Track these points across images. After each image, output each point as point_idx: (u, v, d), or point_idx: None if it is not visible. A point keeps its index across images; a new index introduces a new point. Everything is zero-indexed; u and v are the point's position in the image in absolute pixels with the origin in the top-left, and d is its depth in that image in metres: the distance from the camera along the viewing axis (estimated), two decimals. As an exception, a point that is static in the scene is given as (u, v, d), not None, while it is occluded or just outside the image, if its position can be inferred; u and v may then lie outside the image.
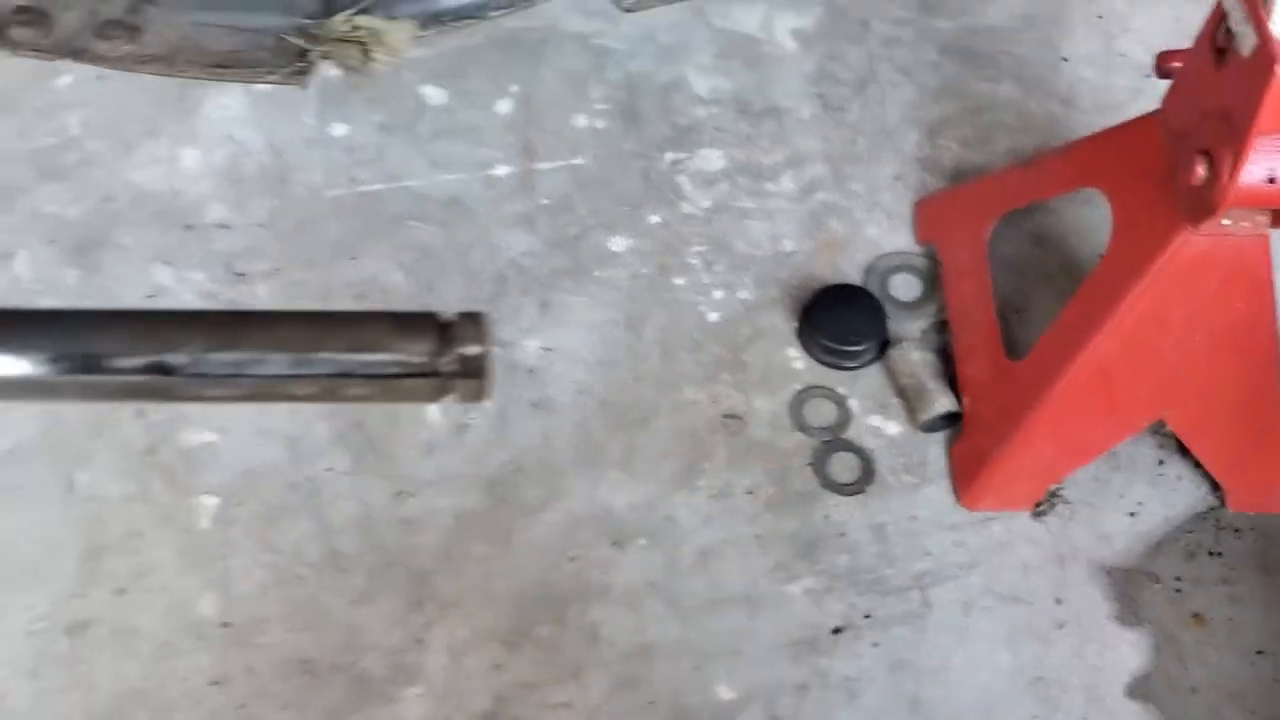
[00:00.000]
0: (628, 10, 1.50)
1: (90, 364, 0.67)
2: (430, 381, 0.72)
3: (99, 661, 1.60)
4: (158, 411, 1.77)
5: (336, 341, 0.70)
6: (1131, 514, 1.74)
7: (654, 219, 1.95)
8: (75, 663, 1.60)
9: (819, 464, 1.75)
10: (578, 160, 2.01)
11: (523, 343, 1.85)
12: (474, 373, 0.72)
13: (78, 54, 1.40)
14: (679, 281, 1.90)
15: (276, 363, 0.69)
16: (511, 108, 2.06)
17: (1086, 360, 1.57)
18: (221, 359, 0.68)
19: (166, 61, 1.41)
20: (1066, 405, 1.61)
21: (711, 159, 2.01)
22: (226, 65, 1.41)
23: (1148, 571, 1.70)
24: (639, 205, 1.96)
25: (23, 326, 0.70)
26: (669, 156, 2.01)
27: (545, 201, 1.97)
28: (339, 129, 2.03)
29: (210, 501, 1.71)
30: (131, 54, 1.41)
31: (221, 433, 1.76)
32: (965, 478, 1.73)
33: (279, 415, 1.78)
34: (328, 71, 1.44)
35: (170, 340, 0.68)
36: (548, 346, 1.85)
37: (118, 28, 1.40)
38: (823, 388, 1.81)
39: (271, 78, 1.41)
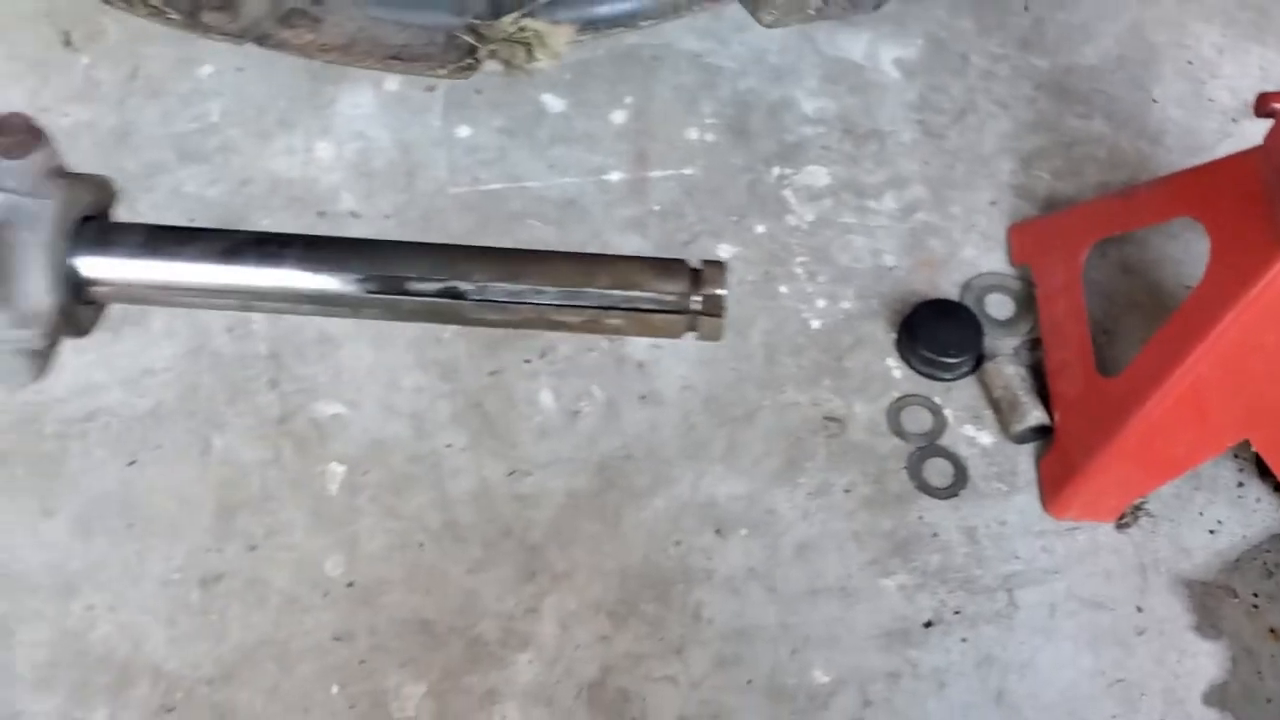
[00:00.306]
0: (769, 27, 1.60)
1: (394, 285, 0.77)
2: (679, 317, 0.82)
3: (230, 612, 1.70)
4: (290, 383, 1.88)
5: (602, 279, 0.80)
6: (1211, 531, 1.82)
7: (760, 229, 2.05)
8: (208, 612, 1.70)
9: (914, 468, 1.83)
10: (688, 170, 2.11)
11: (634, 339, 1.95)
12: (716, 312, 0.82)
13: (262, 39, 1.51)
14: (783, 289, 1.99)
15: (550, 294, 0.79)
16: (626, 118, 2.17)
17: (1179, 379, 1.65)
18: (504, 288, 0.78)
19: (344, 51, 1.52)
20: (1156, 422, 1.69)
21: (817, 175, 2.11)
22: (399, 58, 1.52)
23: (1226, 586, 1.77)
24: (746, 215, 2.06)
25: (339, 251, 0.80)
26: (776, 171, 2.11)
27: (656, 207, 2.07)
28: (463, 131, 2.15)
29: (338, 469, 1.81)
30: (312, 42, 1.51)
31: (350, 406, 1.86)
32: (1053, 487, 1.81)
33: (404, 392, 1.88)
34: (491, 68, 1.55)
35: (462, 270, 0.78)
36: (656, 344, 1.94)
37: (301, 17, 1.51)
38: (920, 396, 1.89)
39: (441, 71, 1.51)
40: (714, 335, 0.84)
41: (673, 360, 1.93)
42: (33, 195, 0.77)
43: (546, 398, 1.89)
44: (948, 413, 1.89)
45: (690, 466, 1.84)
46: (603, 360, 1.93)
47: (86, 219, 0.82)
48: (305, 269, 0.80)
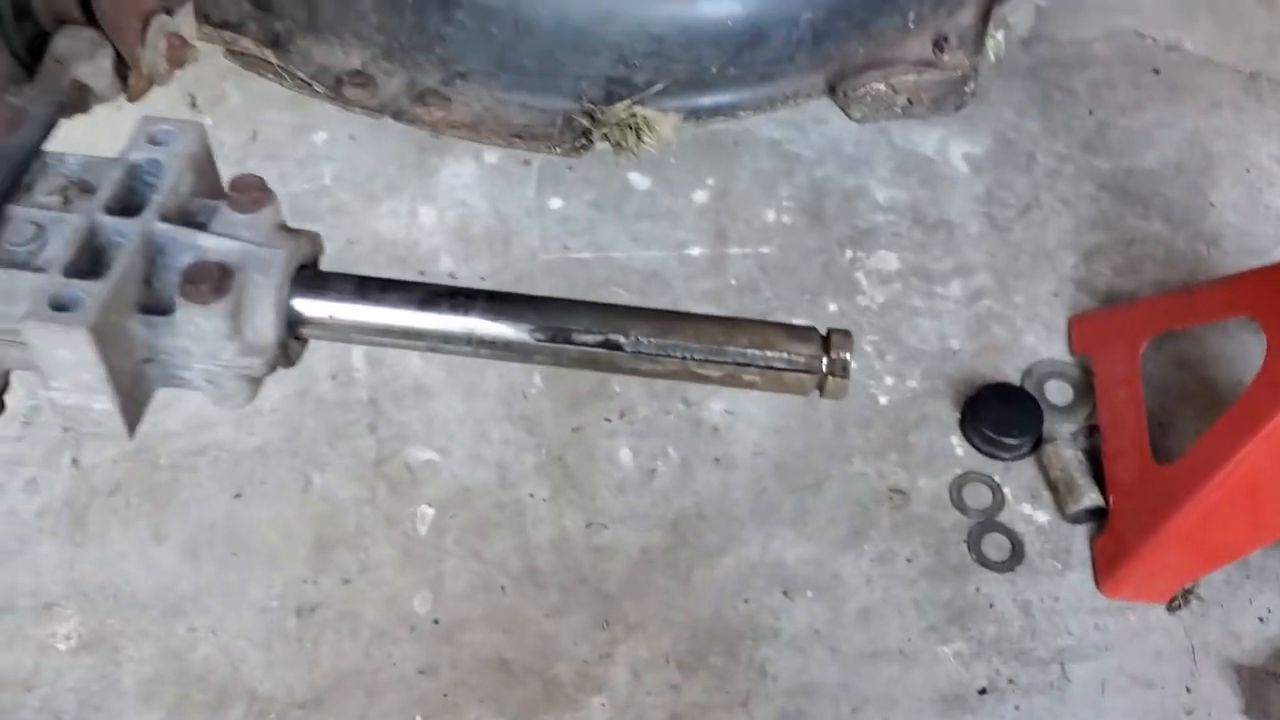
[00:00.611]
0: (858, 122, 1.73)
1: (561, 336, 0.89)
2: (809, 377, 0.93)
3: (323, 641, 1.80)
4: (387, 428, 2.00)
5: (742, 338, 0.91)
6: (1261, 619, 1.89)
7: (832, 307, 2.17)
8: (302, 640, 1.80)
9: (973, 542, 1.93)
10: (765, 249, 2.24)
11: (708, 404, 2.06)
12: (842, 374, 0.93)
13: (398, 115, 1.66)
14: (853, 365, 2.10)
15: (695, 350, 0.90)
16: (707, 198, 2.31)
17: (1234, 469, 1.74)
18: (655, 343, 0.90)
19: (471, 128, 1.66)
20: (1210, 509, 1.78)
21: (888, 260, 2.23)
22: (521, 136, 1.66)
23: (1275, 673, 1.84)
24: (819, 294, 2.18)
25: (516, 305, 0.92)
26: (849, 254, 2.23)
27: (733, 282, 2.20)
28: (555, 202, 2.29)
29: (428, 511, 1.92)
30: (443, 119, 1.65)
31: (442, 453, 1.98)
32: (1107, 568, 1.89)
33: (492, 443, 2.00)
34: (601, 148, 1.69)
35: (620, 325, 0.90)
36: (730, 410, 2.06)
37: (434, 96, 1.65)
38: (981, 474, 1.99)
39: (557, 150, 1.65)
40: (839, 395, 0.95)
41: (746, 426, 2.04)
42: (265, 245, 0.90)
43: (625, 455, 2.00)
44: (1007, 491, 1.98)
45: (760, 529, 1.94)
46: (679, 423, 2.04)
47: (302, 267, 0.95)
48: (487, 318, 0.92)
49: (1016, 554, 1.92)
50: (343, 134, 2.37)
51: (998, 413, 2.01)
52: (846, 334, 0.92)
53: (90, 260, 0.88)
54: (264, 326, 0.90)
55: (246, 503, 1.92)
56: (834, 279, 2.21)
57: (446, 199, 2.28)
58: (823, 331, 0.94)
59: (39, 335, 0.82)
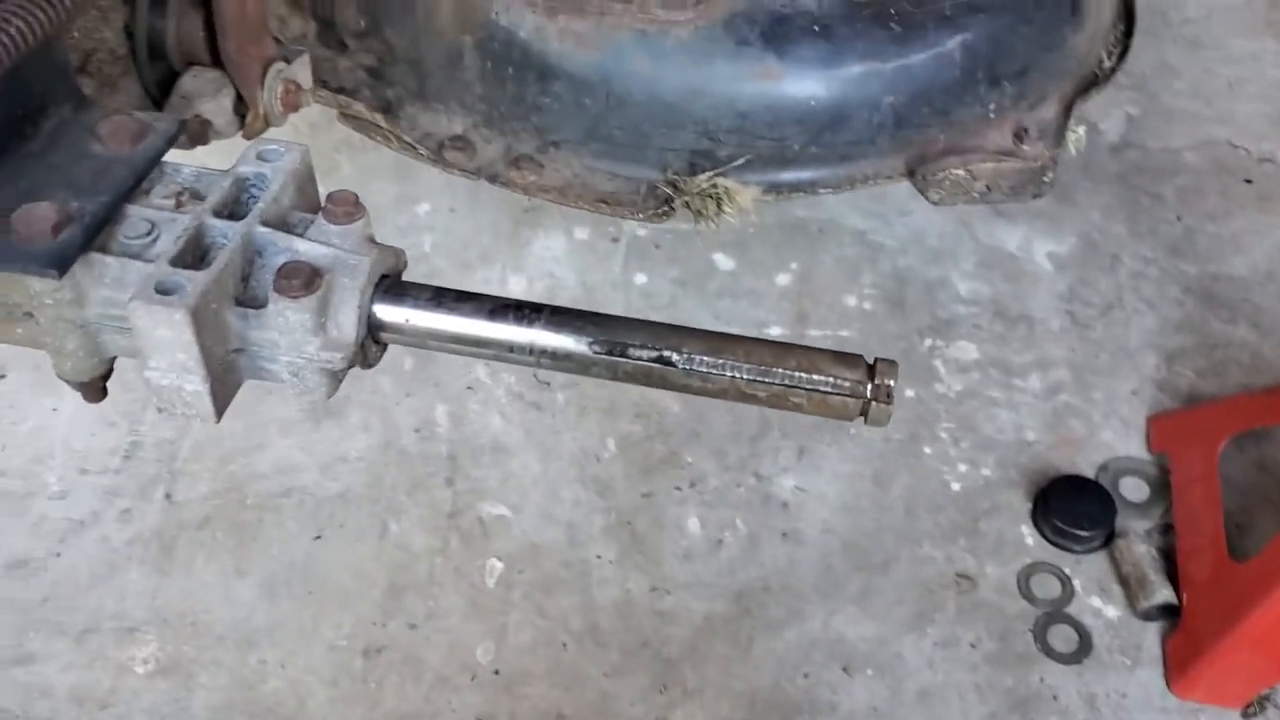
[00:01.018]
0: (935, 204, 1.78)
1: (618, 349, 0.95)
2: (854, 401, 0.96)
3: (387, 683, 1.84)
4: (464, 482, 2.06)
5: (790, 361, 0.96)
6: (1339, 732, 1.83)
7: (909, 393, 2.19)
8: (367, 680, 1.85)
9: (1039, 631, 1.91)
10: (844, 332, 2.28)
11: (779, 479, 2.09)
12: (886, 400, 0.97)
13: (493, 178, 1.75)
14: (927, 450, 2.12)
15: (745, 370, 0.95)
16: (789, 281, 2.36)
17: (1311, 571, 1.71)
18: (707, 360, 0.94)
19: (560, 192, 1.74)
20: (1286, 612, 1.74)
21: (967, 350, 2.25)
22: (606, 202, 1.74)
23: (1352, 788, 1.78)
24: (899, 381, 2.21)
25: (577, 319, 0.98)
26: (928, 342, 2.26)
27: (812, 364, 2.24)
28: (640, 278, 2.37)
29: (497, 565, 1.97)
30: (534, 183, 1.75)
31: (514, 509, 2.03)
32: (1178, 667, 1.85)
33: (563, 503, 2.04)
34: (682, 216, 1.76)
35: (674, 343, 0.95)
36: (801, 487, 2.08)
37: (528, 161, 1.75)
38: (1050, 565, 1.98)
39: (639, 216, 1.73)
40: (881, 421, 0.98)
41: (817, 504, 2.06)
42: (353, 252, 0.98)
43: (693, 524, 2.03)
44: (1076, 583, 1.96)
45: (824, 604, 1.94)
46: (749, 496, 2.07)
47: (385, 276, 1.03)
48: (549, 330, 0.98)
49: (1084, 647, 1.89)
50: (444, 205, 2.49)
51: (1071, 505, 2.00)
52: (892, 363, 0.96)
53: (196, 256, 0.96)
54: (346, 324, 0.97)
55: (325, 544, 1.99)
56: (912, 365, 2.24)
57: (536, 269, 2.37)
58: (869, 360, 0.98)
59: (142, 315, 0.90)
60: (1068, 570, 1.98)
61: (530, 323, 0.98)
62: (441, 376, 2.21)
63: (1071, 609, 1.94)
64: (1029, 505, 2.05)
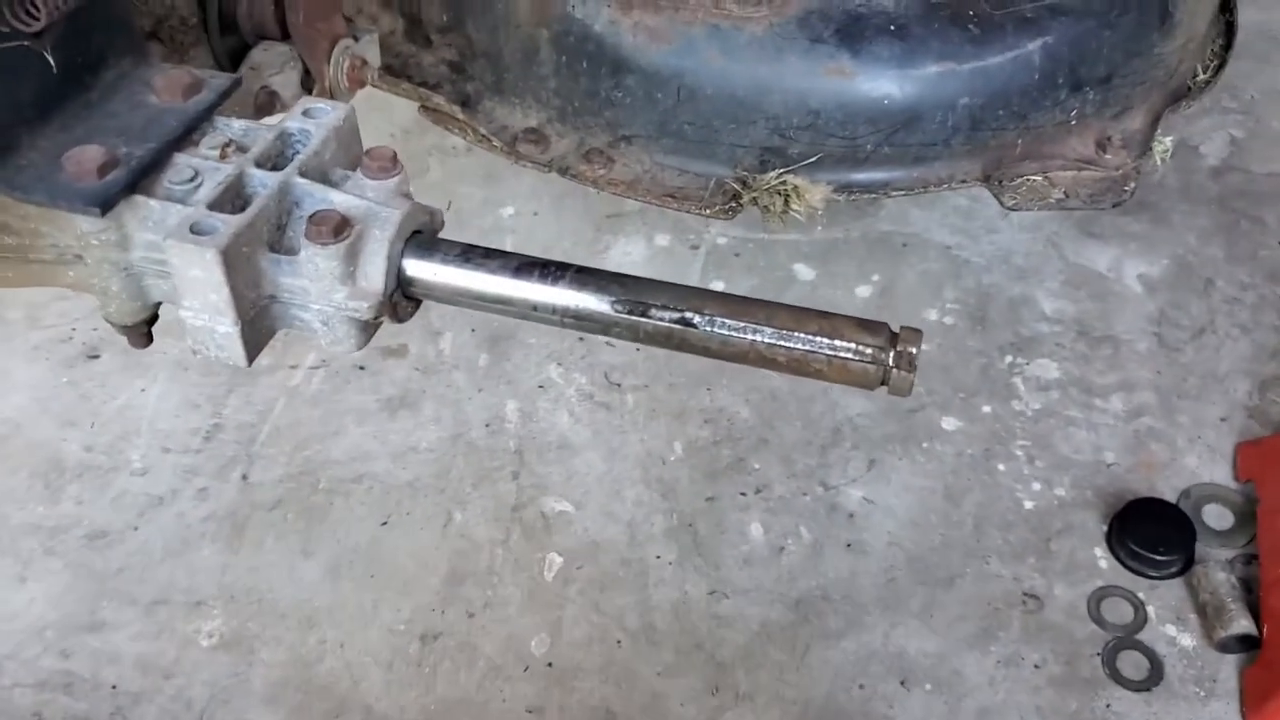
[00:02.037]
0: (1010, 209, 1.74)
1: (640, 309, 0.95)
2: (874, 368, 0.95)
3: (441, 668, 1.86)
4: (529, 477, 2.07)
5: (812, 325, 0.94)
6: None
7: (986, 409, 2.14)
8: (422, 664, 1.86)
9: (1109, 656, 1.84)
10: (924, 346, 2.23)
11: (847, 489, 2.06)
12: (907, 368, 0.95)
13: (563, 171, 1.77)
14: (1001, 467, 2.07)
15: (766, 333, 0.94)
16: (870, 293, 2.33)
17: (1400, 605, 1.62)
18: (729, 323, 0.94)
19: (629, 187, 1.76)
20: (1373, 649, 1.65)
21: (1047, 369, 2.19)
22: (674, 196, 1.74)
23: None
24: (974, 394, 2.16)
25: (601, 279, 0.99)
26: (1008, 359, 2.21)
27: (887, 377, 2.20)
28: (718, 285, 2.36)
29: (557, 559, 1.97)
30: (603, 177, 1.76)
31: (576, 506, 2.04)
32: (1257, 701, 1.76)
33: (625, 502, 2.04)
34: (750, 211, 1.75)
35: (696, 304, 0.95)
36: (869, 498, 2.05)
37: (598, 155, 1.77)
38: (1123, 589, 1.91)
39: (707, 212, 1.73)
40: (903, 389, 0.96)
41: (883, 516, 2.02)
42: (386, 205, 1.00)
43: (756, 530, 2.01)
44: (1150, 609, 1.89)
45: (885, 617, 1.90)
46: (815, 505, 2.04)
47: (417, 232, 1.04)
48: (573, 288, 0.99)
49: (1155, 674, 1.81)
50: (528, 209, 2.52)
51: (1148, 528, 1.93)
52: (916, 331, 0.94)
53: (235, 203, 0.99)
54: (374, 275, 0.99)
55: (391, 530, 2.01)
56: (991, 381, 2.19)
57: (615, 274, 2.38)
58: (893, 328, 0.96)
59: (177, 254, 0.94)
60: (1141, 595, 1.90)
61: (554, 281, 0.99)
62: (514, 374, 2.24)
63: (1144, 635, 1.86)
64: (1104, 528, 1.98)
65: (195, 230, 0.94)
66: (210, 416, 2.19)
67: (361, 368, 2.25)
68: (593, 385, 2.22)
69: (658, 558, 1.98)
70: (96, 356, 2.29)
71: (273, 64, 1.25)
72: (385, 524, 2.02)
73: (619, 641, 1.88)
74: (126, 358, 2.27)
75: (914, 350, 0.95)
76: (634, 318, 0.96)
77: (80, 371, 2.27)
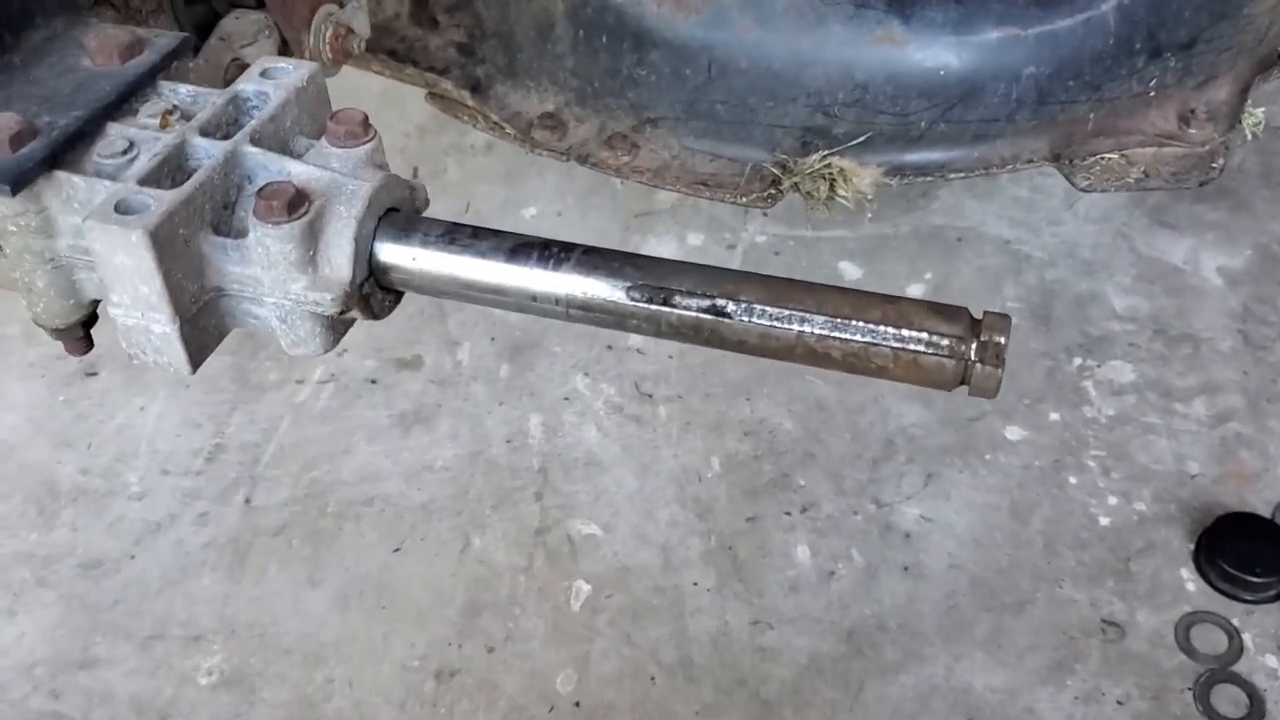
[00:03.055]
0: (1084, 191, 1.56)
1: (661, 297, 0.78)
2: (952, 363, 0.77)
3: (458, 709, 1.69)
4: (553, 498, 1.91)
5: (873, 312, 0.77)
6: None
7: (1054, 416, 1.95)
8: (438, 705, 1.70)
9: (1201, 691, 1.64)
10: (982, 350, 2.05)
11: (902, 507, 1.87)
12: (994, 362, 0.77)
13: (583, 159, 1.61)
14: (1072, 480, 1.87)
15: (816, 323, 0.77)
16: (923, 291, 2.15)
17: None
18: (770, 311, 0.77)
19: (656, 175, 1.59)
20: None
21: (1121, 371, 2.00)
22: (705, 184, 1.58)
23: None
24: (1040, 400, 1.97)
25: (614, 260, 0.82)
26: (1077, 361, 2.02)
27: (944, 382, 2.01)
28: (758, 287, 2.18)
29: (584, 587, 1.80)
30: (628, 164, 1.60)
31: (605, 528, 1.87)
32: (1374, 743, 1.56)
33: (658, 524, 1.87)
34: (791, 198, 1.58)
35: (730, 289, 0.78)
36: (927, 516, 1.86)
37: (621, 142, 1.60)
38: (1215, 615, 1.71)
39: (744, 200, 1.56)
40: (988, 390, 0.78)
41: (943, 535, 1.84)
42: (353, 177, 0.84)
43: (802, 553, 1.83)
44: (1247, 637, 1.68)
45: (947, 648, 1.72)
46: (867, 525, 1.86)
47: (394, 210, 0.88)
48: (580, 273, 0.82)
49: (1255, 711, 1.61)
50: (550, 210, 2.37)
51: (1241, 547, 1.74)
52: (1003, 316, 0.76)
53: (176, 178, 0.83)
54: (340, 260, 0.82)
55: (403, 557, 1.85)
56: (1058, 386, 2.00)
57: (646, 276, 2.21)
58: (974, 314, 0.78)
59: (99, 236, 0.78)
60: (1236, 622, 1.70)
61: (557, 265, 0.82)
62: (537, 385, 2.07)
63: (1240, 667, 1.66)
64: (1190, 546, 1.79)
65: (120, 209, 0.78)
66: (212, 436, 2.04)
67: (373, 381, 2.09)
68: (622, 396, 2.05)
69: (695, 584, 1.80)
70: (95, 374, 2.15)
71: (245, 33, 1.10)
72: (398, 550, 1.86)
73: (653, 678, 1.71)
74: (125, 374, 2.13)
75: (1001, 340, 0.77)
76: (654, 307, 0.79)
77: (77, 389, 2.13)
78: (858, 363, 0.78)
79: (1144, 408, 1.96)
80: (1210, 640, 1.70)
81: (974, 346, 0.77)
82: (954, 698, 1.66)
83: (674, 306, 0.78)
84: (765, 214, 2.24)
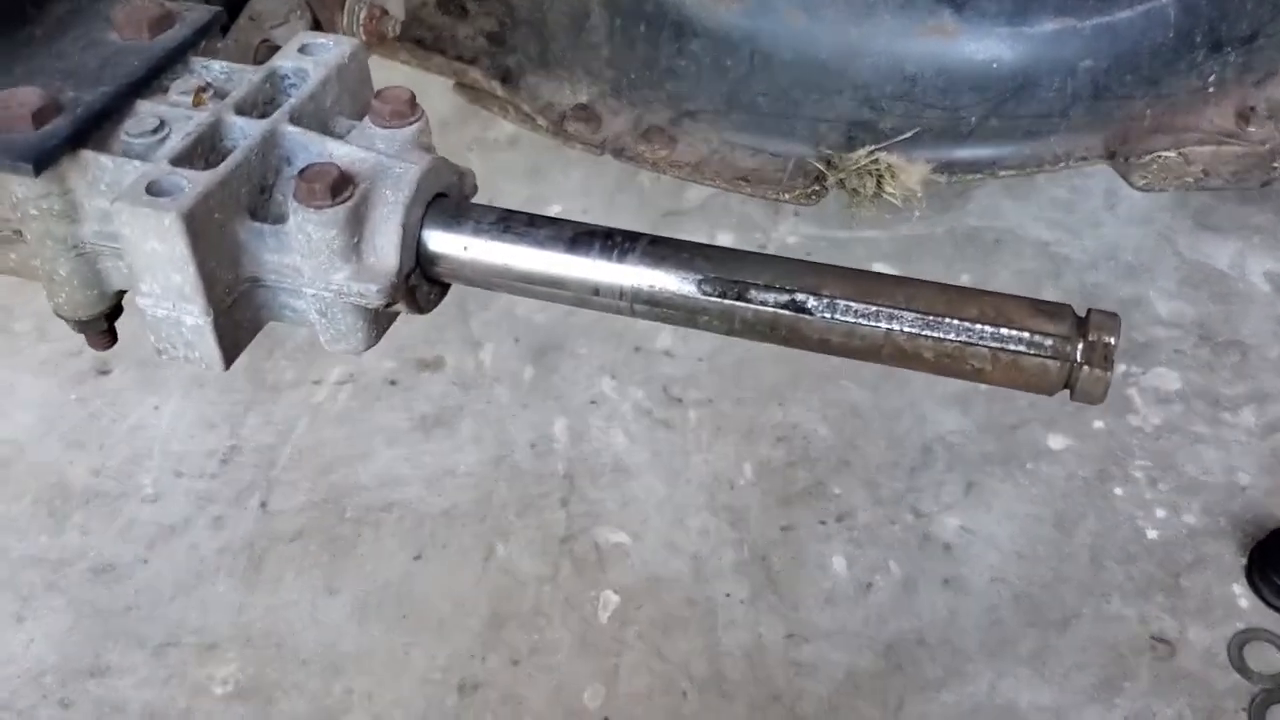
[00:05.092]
0: (1141, 189, 1.50)
1: (735, 291, 0.71)
2: (1056, 365, 0.71)
3: (481, 724, 1.63)
4: (580, 504, 1.84)
5: (970, 309, 0.71)
6: None
7: (1098, 424, 1.89)
8: (459, 719, 1.63)
9: (1257, 712, 1.57)
10: (1021, 356, 1.99)
11: (942, 518, 1.81)
12: (1102, 365, 0.71)
13: (618, 153, 1.55)
14: (1118, 491, 1.81)
15: (906, 320, 0.71)
16: (960, 297, 2.09)
17: None
18: (855, 307, 0.71)
19: (695, 169, 1.53)
20: None
21: (1167, 379, 1.94)
22: (746, 179, 1.52)
23: None
24: (1084, 408, 1.90)
25: (685, 250, 0.75)
26: (1121, 368, 1.95)
27: (984, 386, 1.95)
28: (789, 289, 2.12)
29: (613, 598, 1.74)
30: (665, 158, 1.54)
31: (634, 537, 1.80)
32: None
33: (689, 532, 1.81)
34: (835, 194, 1.52)
35: (812, 283, 0.71)
36: (968, 527, 1.80)
37: (658, 135, 1.54)
38: (1270, 632, 1.64)
39: (786, 196, 1.50)
40: (1095, 395, 0.72)
41: (985, 546, 1.77)
42: (400, 159, 0.78)
43: (839, 564, 1.77)
44: (1305, 657, 1.62)
45: (990, 665, 1.65)
46: (905, 535, 1.79)
47: (443, 195, 0.82)
48: (646, 265, 0.75)
49: (1315, 736, 1.55)
50: (576, 207, 2.31)
51: (1297, 562, 1.67)
52: (1111, 315, 0.70)
53: (211, 158, 0.77)
54: (386, 249, 0.76)
55: (425, 565, 1.79)
56: (1100, 394, 1.93)
57: (674, 276, 2.15)
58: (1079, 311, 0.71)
59: (129, 220, 0.72)
60: (1293, 641, 1.64)
61: (622, 255, 0.76)
62: (563, 388, 2.01)
63: (1298, 688, 1.60)
64: (1242, 560, 1.72)
65: (152, 191, 0.72)
66: (227, 437, 1.98)
67: (393, 382, 2.03)
68: (650, 400, 1.98)
69: (727, 596, 1.74)
70: (107, 372, 2.09)
71: (276, 13, 1.04)
72: (419, 558, 1.80)
73: (684, 693, 1.64)
74: (139, 373, 2.07)
75: (1111, 341, 0.71)
76: (728, 302, 0.72)
77: (90, 388, 2.07)
78: (952, 364, 0.72)
79: (1191, 417, 1.89)
80: (1265, 659, 1.63)
81: (1080, 347, 0.71)
82: (997, 715, 1.60)
83: (749, 302, 0.72)
84: (797, 213, 2.18)
